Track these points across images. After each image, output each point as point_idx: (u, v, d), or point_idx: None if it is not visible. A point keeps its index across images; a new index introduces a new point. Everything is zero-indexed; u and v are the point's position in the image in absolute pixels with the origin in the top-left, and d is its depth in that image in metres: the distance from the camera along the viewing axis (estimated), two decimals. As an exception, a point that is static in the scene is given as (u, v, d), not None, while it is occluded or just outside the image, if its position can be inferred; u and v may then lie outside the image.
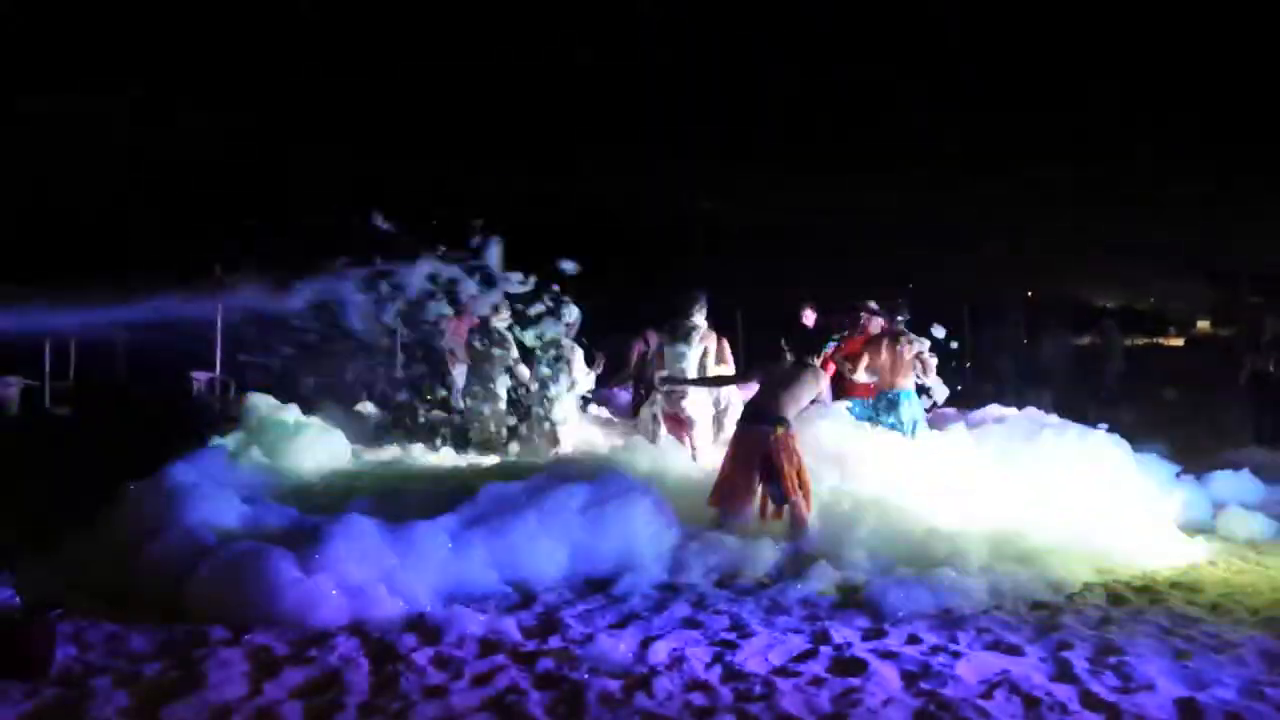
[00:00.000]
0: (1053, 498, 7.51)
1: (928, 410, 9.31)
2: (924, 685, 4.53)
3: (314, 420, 10.01)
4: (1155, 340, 29.41)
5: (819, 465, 7.56)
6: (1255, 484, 9.09)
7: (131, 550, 5.84)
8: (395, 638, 5.03)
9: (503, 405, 10.62)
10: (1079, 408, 11.99)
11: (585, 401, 10.77)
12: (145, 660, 4.72)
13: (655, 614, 5.55)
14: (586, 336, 10.47)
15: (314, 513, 6.63)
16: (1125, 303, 32.81)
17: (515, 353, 10.56)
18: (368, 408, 11.48)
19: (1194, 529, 7.64)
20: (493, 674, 4.59)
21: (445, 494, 7.29)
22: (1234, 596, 6.09)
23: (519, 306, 10.42)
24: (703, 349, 9.46)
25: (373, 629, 5.14)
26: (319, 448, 9.45)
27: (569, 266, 10.13)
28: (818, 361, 7.65)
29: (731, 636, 5.18)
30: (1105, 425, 8.88)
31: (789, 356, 7.43)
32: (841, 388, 9.47)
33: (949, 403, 9.76)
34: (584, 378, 10.33)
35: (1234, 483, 8.99)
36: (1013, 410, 10.62)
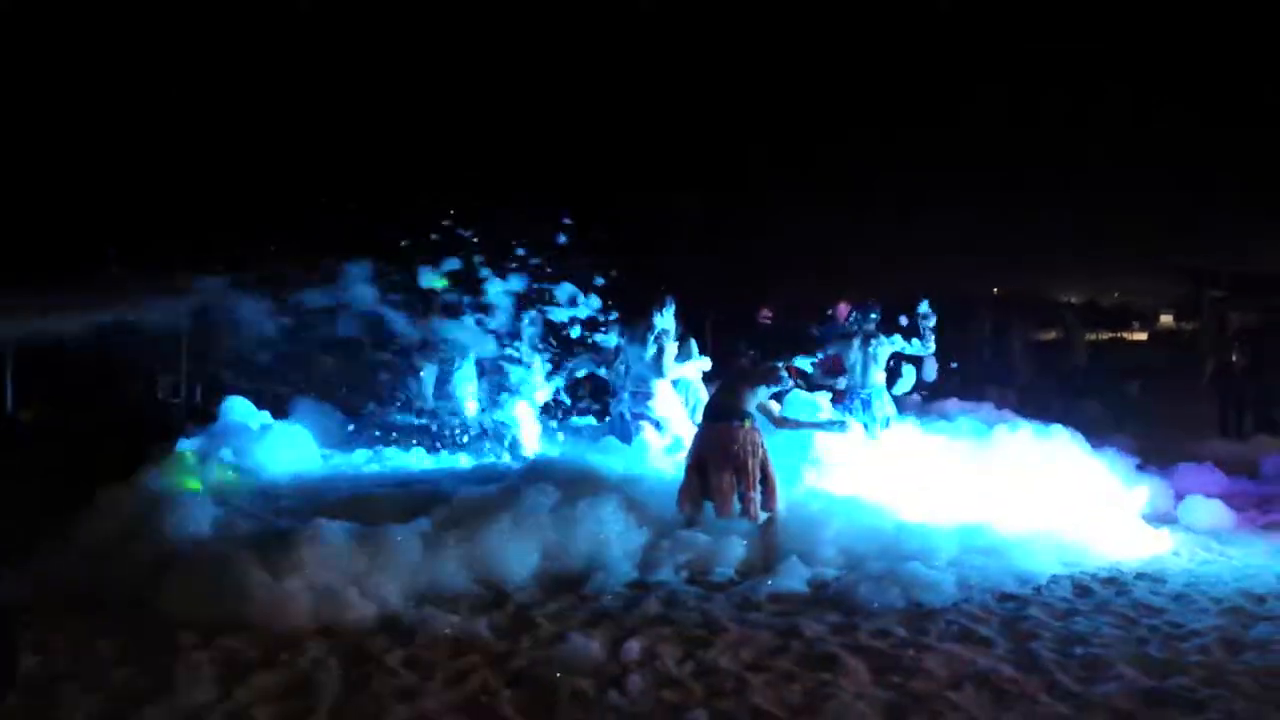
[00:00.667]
0: (1019, 491, 7.58)
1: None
2: (894, 678, 4.57)
3: (284, 423, 9.96)
4: (1119, 335, 29.70)
5: (790, 463, 7.60)
6: (1218, 476, 9.21)
7: (100, 555, 5.79)
8: (367, 640, 5.01)
9: (473, 408, 10.59)
10: (1044, 402, 12.13)
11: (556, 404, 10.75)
12: (113, 665, 4.68)
13: (627, 612, 5.56)
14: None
15: (284, 516, 6.60)
16: (1089, 298, 33.09)
17: (487, 354, 10.53)
18: (339, 411, 11.42)
19: (1158, 521, 7.73)
20: (465, 674, 4.58)
21: (416, 496, 7.28)
22: (1198, 586, 6.17)
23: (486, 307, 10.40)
24: (673, 351, 9.44)
25: (344, 631, 5.12)
26: (289, 451, 9.40)
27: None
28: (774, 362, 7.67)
29: (703, 633, 5.19)
30: (1070, 419, 8.98)
31: (747, 355, 7.46)
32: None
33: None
34: (544, 380, 10.33)
35: (1197, 475, 9.11)
36: (973, 405, 10.73)
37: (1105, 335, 28.27)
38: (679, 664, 4.74)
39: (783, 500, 7.04)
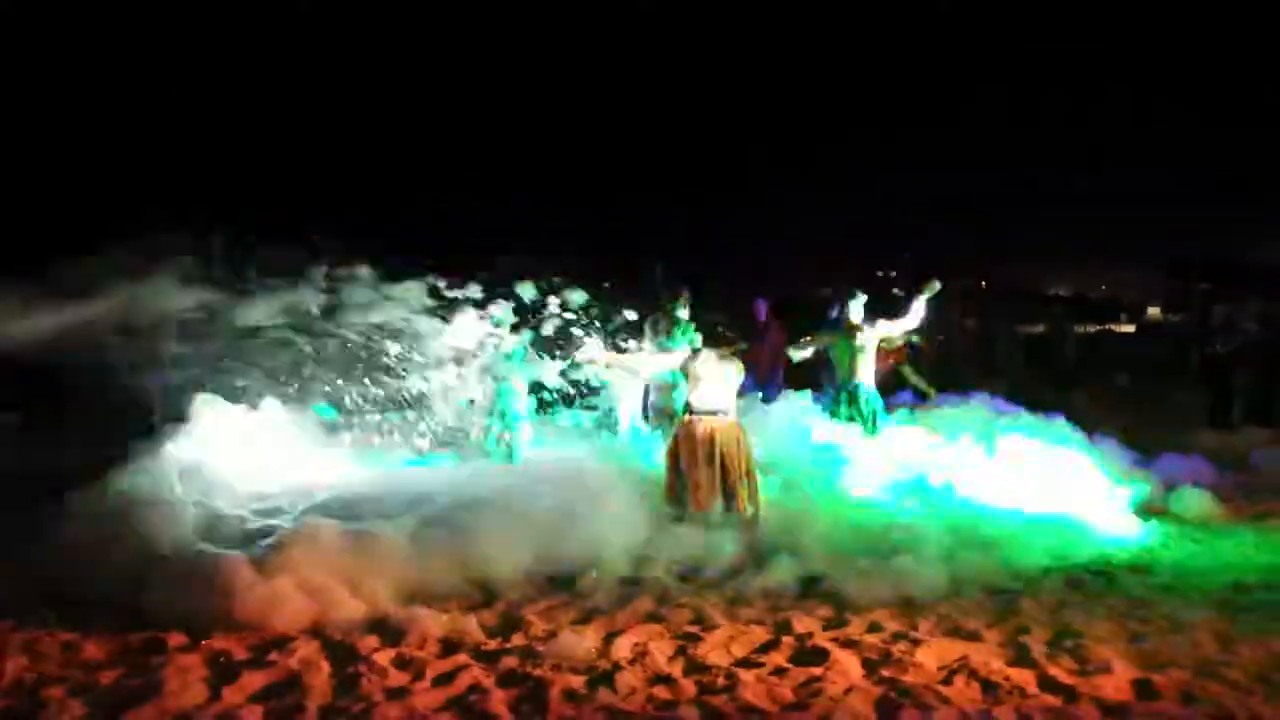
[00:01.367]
0: (1009, 484, 7.59)
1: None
2: (885, 673, 4.57)
3: (269, 421, 9.89)
4: (1107, 327, 29.78)
5: (779, 457, 7.60)
6: (1207, 467, 9.22)
7: (84, 557, 5.75)
8: (356, 639, 4.99)
9: (463, 405, 10.53)
10: (1033, 395, 12.12)
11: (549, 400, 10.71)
12: (101, 668, 4.65)
13: (618, 609, 5.55)
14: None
15: (271, 515, 6.56)
16: (1078, 290, 33.22)
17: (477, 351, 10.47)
18: (324, 409, 11.35)
19: (1148, 513, 7.75)
20: (455, 673, 4.57)
21: (404, 494, 7.24)
22: (1187, 578, 6.19)
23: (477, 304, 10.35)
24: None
25: (333, 631, 5.10)
26: (274, 450, 9.33)
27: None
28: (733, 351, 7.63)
29: (694, 629, 5.19)
30: (1059, 412, 8.99)
31: (714, 349, 7.33)
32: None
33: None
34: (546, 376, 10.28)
35: (1186, 466, 9.12)
36: (962, 399, 10.73)
37: (1093, 327, 28.37)
38: (670, 660, 4.74)
39: (764, 494, 7.04)
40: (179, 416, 10.07)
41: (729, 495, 6.87)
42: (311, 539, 5.67)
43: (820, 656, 4.77)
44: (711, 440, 6.92)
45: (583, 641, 4.91)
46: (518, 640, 5.02)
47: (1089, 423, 9.26)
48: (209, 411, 9.78)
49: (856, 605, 5.56)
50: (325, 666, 4.64)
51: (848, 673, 4.57)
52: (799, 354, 9.23)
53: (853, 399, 8.97)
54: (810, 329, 9.68)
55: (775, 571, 6.10)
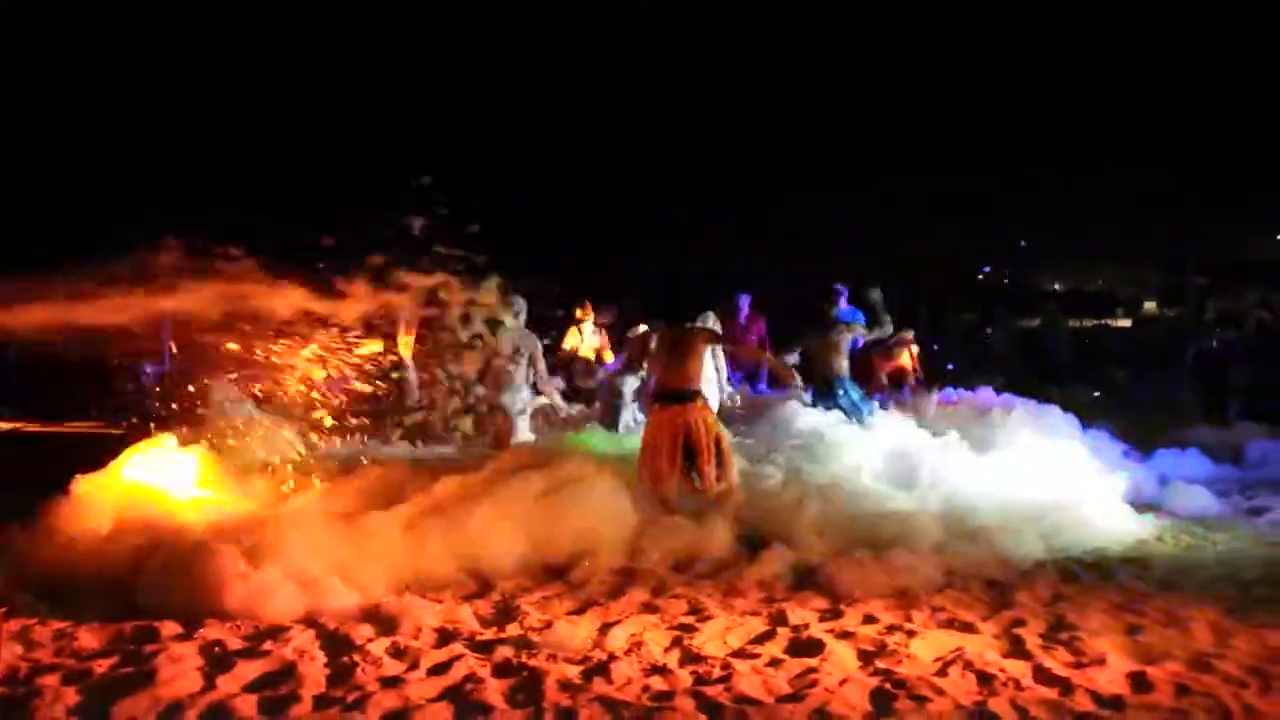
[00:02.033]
0: (1004, 476, 7.59)
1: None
2: (880, 664, 4.56)
3: (262, 412, 9.87)
4: (1104, 321, 29.79)
5: (773, 448, 7.60)
6: (1203, 461, 9.24)
7: (80, 546, 5.74)
8: (351, 629, 4.98)
9: (456, 396, 10.52)
10: (1029, 388, 12.13)
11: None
12: (95, 657, 4.63)
13: (613, 599, 5.55)
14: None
15: (265, 505, 6.55)
16: (1074, 285, 33.22)
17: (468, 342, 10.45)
18: (321, 400, 11.33)
19: (1143, 506, 7.76)
20: (450, 663, 4.56)
21: (398, 484, 7.22)
22: (1183, 571, 6.20)
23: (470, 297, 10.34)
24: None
25: (328, 620, 5.09)
26: (267, 440, 9.31)
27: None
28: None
29: (690, 620, 5.19)
30: (1055, 405, 9.00)
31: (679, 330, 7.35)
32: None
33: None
34: (543, 368, 10.27)
35: (1182, 460, 9.14)
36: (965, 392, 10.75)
37: (1090, 322, 28.38)
38: (665, 651, 4.73)
39: (738, 472, 7.10)
40: (175, 406, 10.07)
41: (700, 477, 6.95)
42: (303, 528, 5.65)
43: (815, 648, 4.77)
44: (682, 425, 6.98)
45: (578, 632, 4.90)
46: (513, 630, 5.01)
47: (1085, 416, 9.26)
48: (207, 401, 9.78)
49: (851, 597, 5.56)
50: (320, 656, 4.62)
51: (843, 664, 4.57)
52: (791, 359, 9.25)
53: (830, 392, 8.98)
54: (797, 326, 9.72)
55: (770, 563, 6.11)
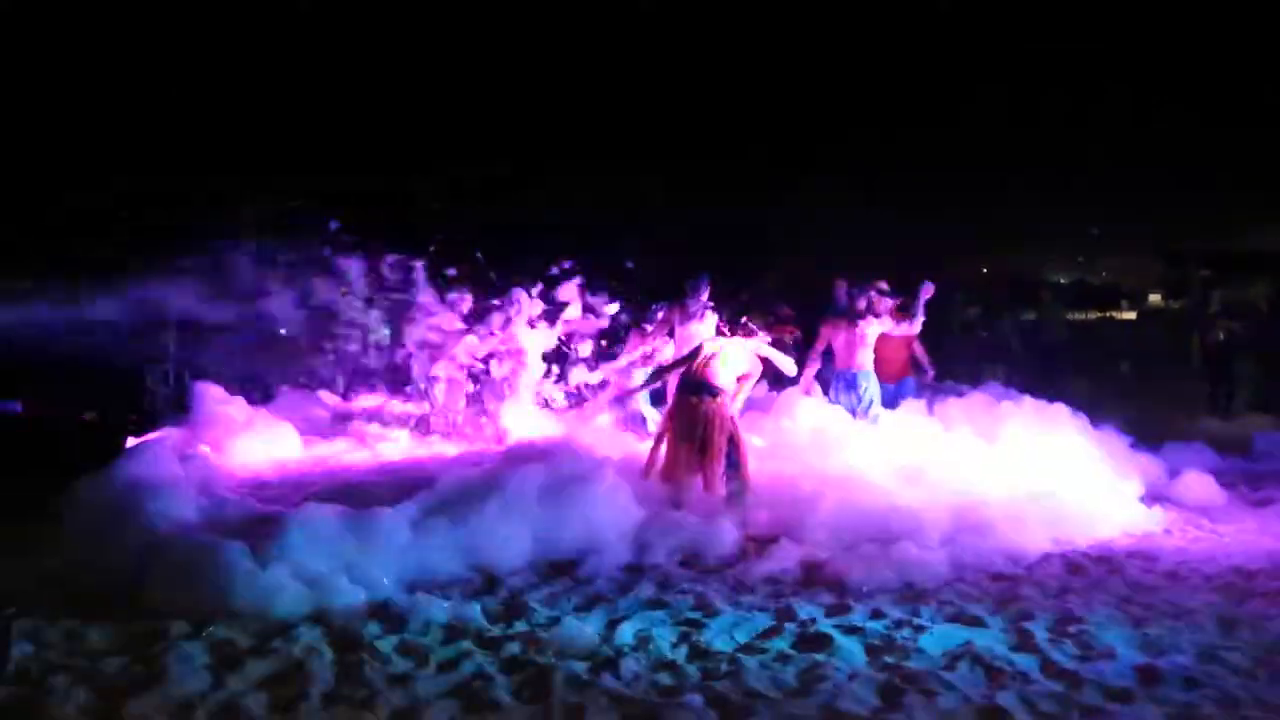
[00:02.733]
0: (1011, 469, 7.58)
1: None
2: (888, 659, 4.57)
3: (265, 411, 9.91)
4: (1108, 314, 29.75)
5: (781, 444, 7.60)
6: (1209, 454, 9.23)
7: (87, 546, 5.75)
8: (359, 626, 4.99)
9: (459, 394, 10.55)
10: (1034, 381, 12.12)
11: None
12: (105, 656, 4.64)
13: (621, 595, 5.55)
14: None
15: (270, 504, 6.56)
16: (1078, 277, 33.16)
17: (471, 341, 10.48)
18: (322, 397, 11.38)
19: (1150, 499, 7.75)
20: (458, 660, 4.57)
21: (403, 482, 7.24)
22: (1190, 564, 6.19)
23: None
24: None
25: (335, 618, 5.09)
26: (271, 439, 9.35)
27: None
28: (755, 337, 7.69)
29: (697, 616, 5.19)
30: (1061, 398, 8.98)
31: (727, 332, 7.53)
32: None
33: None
34: (538, 366, 10.30)
35: (1188, 453, 9.13)
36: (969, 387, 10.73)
37: (1094, 314, 28.34)
38: (674, 647, 4.74)
39: (752, 470, 7.16)
40: (180, 405, 10.10)
41: (707, 474, 7.03)
42: (311, 524, 5.66)
43: (823, 643, 4.77)
44: (698, 419, 7.08)
45: (586, 628, 4.91)
46: (521, 627, 5.02)
47: (1090, 409, 9.24)
48: (210, 400, 9.83)
49: (859, 591, 5.57)
50: (328, 653, 4.63)
51: (851, 659, 4.57)
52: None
53: (851, 386, 8.96)
54: (815, 318, 9.71)
55: (777, 558, 6.11)
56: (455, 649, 4.71)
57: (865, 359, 8.97)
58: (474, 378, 10.50)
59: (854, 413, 8.80)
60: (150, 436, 8.10)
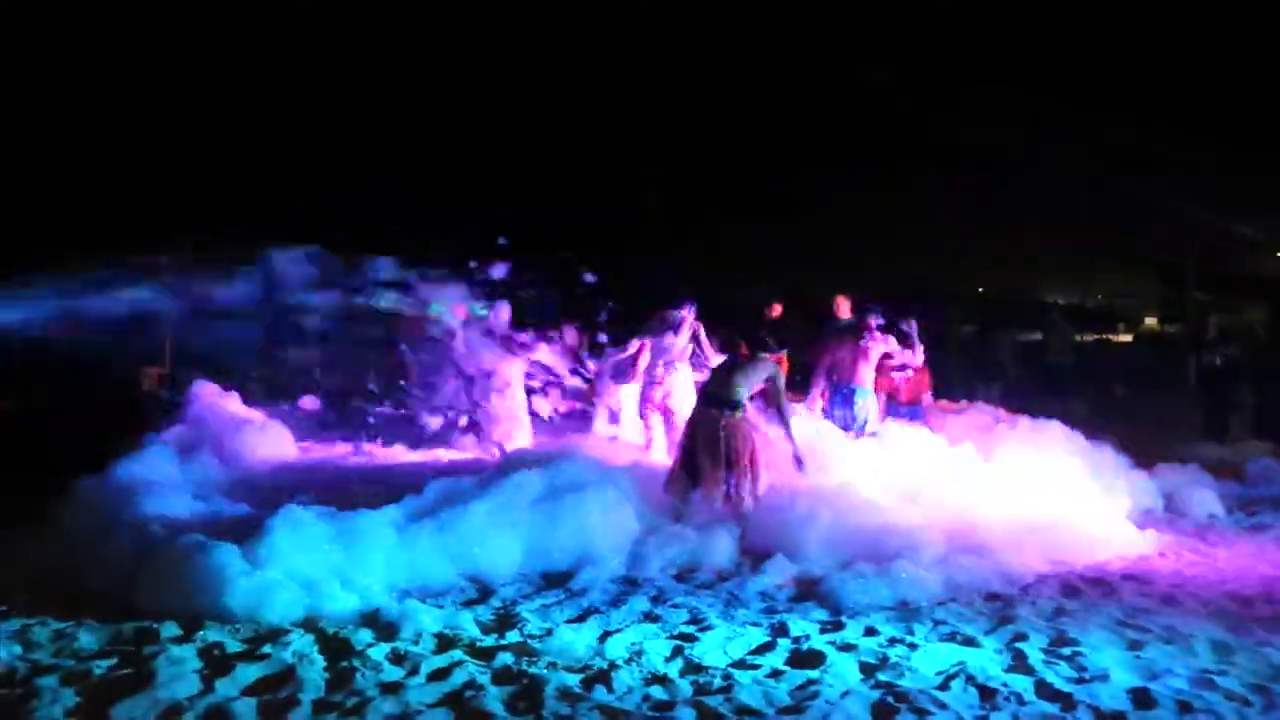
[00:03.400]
0: (1007, 490, 7.57)
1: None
2: (882, 677, 4.55)
3: (259, 414, 9.89)
4: (1104, 336, 29.76)
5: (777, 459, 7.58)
6: (1205, 478, 9.22)
7: (78, 546, 5.73)
8: (350, 633, 4.97)
9: (453, 400, 10.54)
10: (1030, 402, 12.13)
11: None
12: (94, 658, 4.62)
13: (614, 608, 5.53)
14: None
15: (263, 508, 6.53)
16: (1075, 299, 33.19)
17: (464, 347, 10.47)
18: (315, 402, 11.36)
19: (1145, 522, 7.74)
20: (450, 669, 4.54)
21: (397, 488, 7.21)
22: (1185, 588, 6.17)
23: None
24: (689, 341, 9.36)
25: (327, 624, 5.07)
26: (264, 442, 9.33)
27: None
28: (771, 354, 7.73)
29: (690, 630, 5.17)
30: (1057, 419, 8.99)
31: (745, 347, 7.59)
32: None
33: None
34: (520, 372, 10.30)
35: (1184, 476, 9.12)
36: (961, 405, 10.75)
37: (1090, 336, 28.36)
38: (666, 661, 4.72)
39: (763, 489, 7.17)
40: (177, 409, 10.09)
41: (731, 490, 7.02)
42: (304, 530, 5.64)
43: (817, 659, 4.75)
44: (719, 434, 7.12)
45: (579, 640, 4.89)
46: (513, 637, 5.00)
47: (1086, 430, 9.24)
48: (204, 404, 9.81)
49: (853, 609, 5.55)
50: (319, 660, 4.61)
51: (844, 676, 4.55)
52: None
53: (848, 400, 8.96)
54: (816, 331, 9.73)
55: (772, 574, 6.10)
56: (447, 658, 4.69)
57: (865, 376, 8.97)
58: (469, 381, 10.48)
59: (848, 428, 8.80)
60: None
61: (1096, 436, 9.24)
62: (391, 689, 4.32)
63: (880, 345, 8.99)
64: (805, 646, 4.94)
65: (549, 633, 5.02)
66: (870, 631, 5.20)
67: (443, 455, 9.94)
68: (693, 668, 4.64)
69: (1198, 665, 4.76)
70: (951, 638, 5.12)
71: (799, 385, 9.86)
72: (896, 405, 9.68)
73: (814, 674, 4.57)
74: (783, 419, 7.39)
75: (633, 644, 4.90)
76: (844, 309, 10.01)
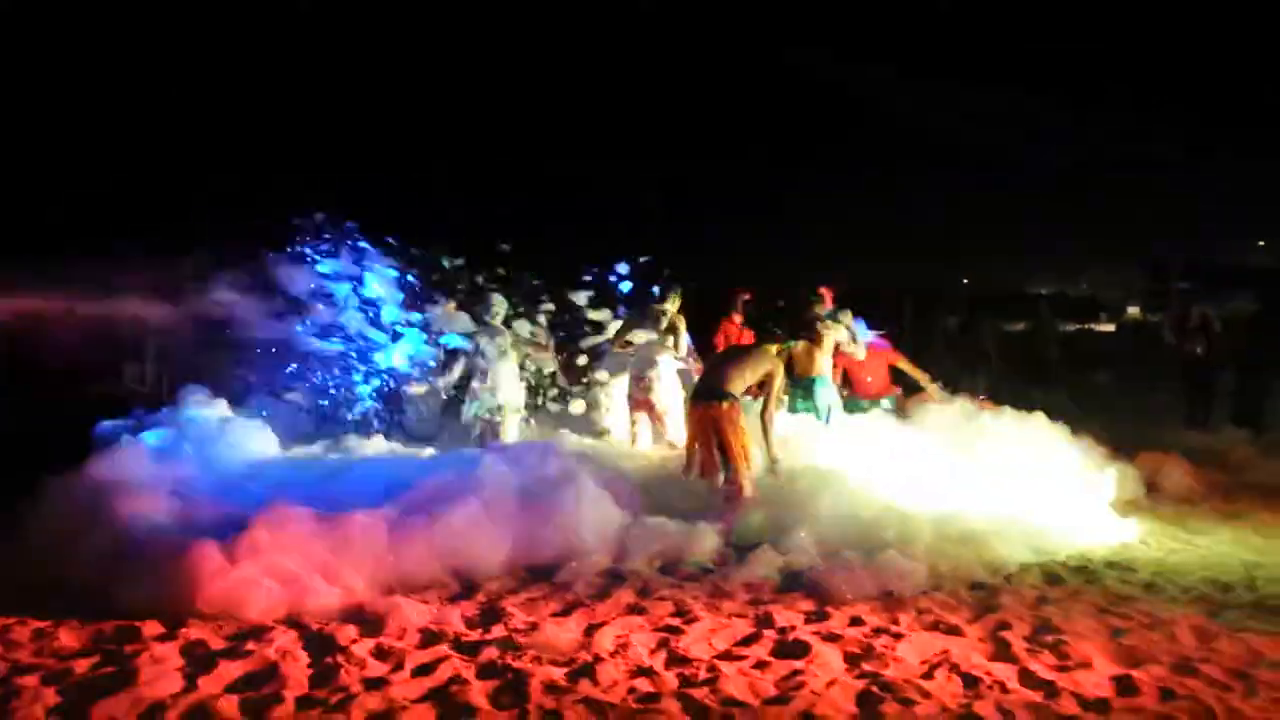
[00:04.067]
0: (989, 480, 7.59)
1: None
2: (866, 666, 4.56)
3: (241, 412, 9.81)
4: (1087, 325, 29.92)
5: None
6: (1186, 466, 9.26)
7: (59, 545, 5.68)
8: (334, 629, 4.95)
9: (442, 396, 10.47)
10: (1015, 392, 12.16)
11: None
12: (75, 657, 4.59)
13: (599, 601, 5.53)
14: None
15: (245, 504, 6.49)
16: (1058, 289, 33.37)
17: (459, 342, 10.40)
18: (299, 399, 11.27)
19: (1127, 509, 7.77)
20: (435, 664, 4.53)
21: (381, 484, 7.18)
22: (1167, 575, 6.21)
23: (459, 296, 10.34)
24: (669, 333, 9.29)
25: (311, 620, 5.05)
26: (246, 440, 9.25)
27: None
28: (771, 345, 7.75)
29: (676, 622, 5.17)
30: (1040, 408, 8.99)
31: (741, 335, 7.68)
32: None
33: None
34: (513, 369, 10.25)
35: (1166, 464, 9.16)
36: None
37: (1073, 326, 28.50)
38: (651, 653, 4.71)
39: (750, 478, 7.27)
40: (156, 404, 10.00)
41: (729, 474, 7.20)
42: (282, 525, 5.61)
43: (802, 650, 4.76)
44: (711, 423, 7.26)
45: (564, 633, 4.88)
46: (498, 632, 4.99)
47: (1069, 419, 9.27)
48: (186, 401, 9.72)
49: (838, 599, 5.56)
50: (303, 656, 4.59)
51: (829, 666, 4.56)
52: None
53: (808, 392, 8.94)
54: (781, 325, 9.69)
55: (757, 565, 6.10)
56: (432, 653, 4.68)
57: (824, 367, 8.94)
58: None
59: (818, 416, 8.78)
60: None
61: (1079, 425, 9.27)
62: (375, 684, 4.31)
63: (832, 334, 8.97)
64: (790, 637, 4.95)
65: (534, 626, 5.01)
66: (855, 621, 5.22)
67: (430, 449, 9.88)
68: (678, 659, 4.64)
69: (1180, 652, 4.79)
70: (936, 627, 5.14)
71: None
72: (857, 400, 9.67)
73: (799, 665, 4.58)
74: (766, 417, 7.42)
75: (618, 636, 4.90)
76: (828, 301, 9.98)
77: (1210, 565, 6.47)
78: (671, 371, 9.15)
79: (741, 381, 7.39)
